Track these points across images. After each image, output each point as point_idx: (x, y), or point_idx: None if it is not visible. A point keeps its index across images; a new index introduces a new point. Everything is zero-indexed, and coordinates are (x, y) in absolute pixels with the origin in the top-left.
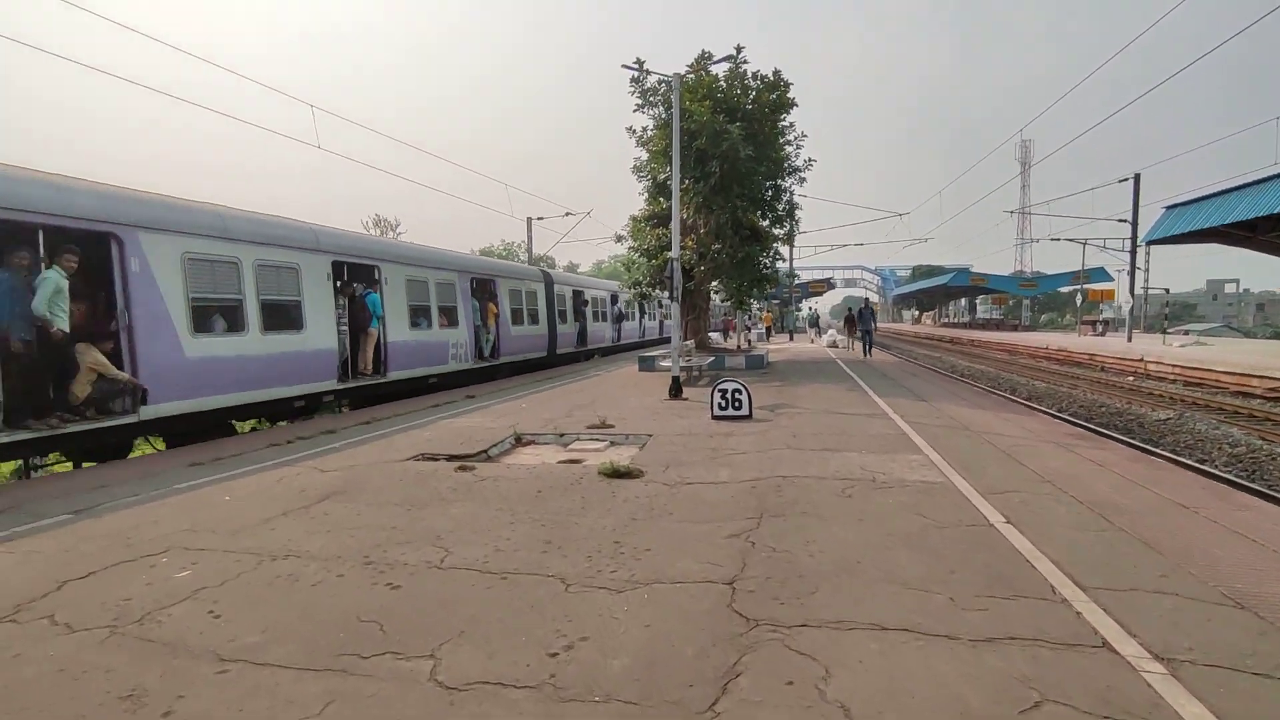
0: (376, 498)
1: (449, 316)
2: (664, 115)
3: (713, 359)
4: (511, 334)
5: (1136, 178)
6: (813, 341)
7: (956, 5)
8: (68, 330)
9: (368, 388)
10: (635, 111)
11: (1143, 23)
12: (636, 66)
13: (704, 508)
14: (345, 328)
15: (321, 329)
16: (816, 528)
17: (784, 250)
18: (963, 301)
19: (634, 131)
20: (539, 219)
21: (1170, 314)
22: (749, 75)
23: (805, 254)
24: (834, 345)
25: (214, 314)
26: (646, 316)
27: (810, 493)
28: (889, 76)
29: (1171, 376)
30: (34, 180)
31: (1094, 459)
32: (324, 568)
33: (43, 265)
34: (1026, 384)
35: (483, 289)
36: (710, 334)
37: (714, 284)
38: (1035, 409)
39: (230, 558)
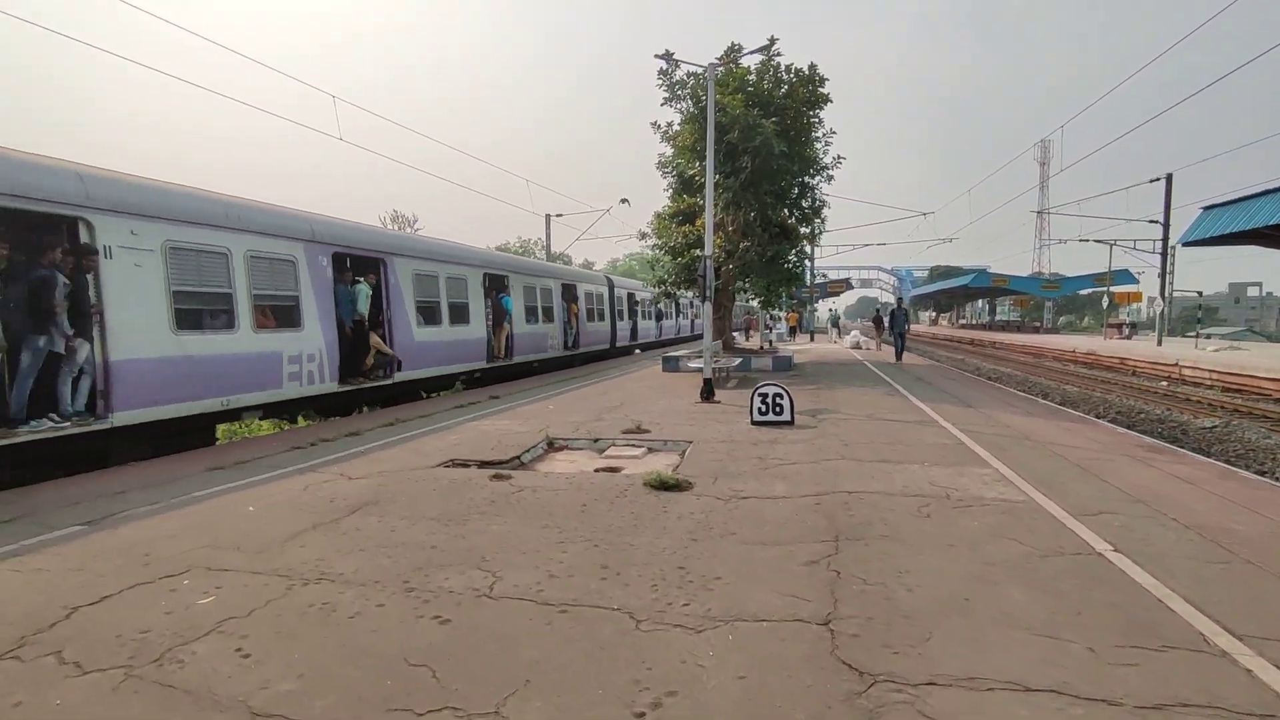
0: (411, 510)
1: (548, 315)
2: (692, 109)
3: (740, 360)
4: (587, 329)
5: (1169, 178)
6: (834, 342)
7: (989, 5)
8: (365, 322)
9: (500, 368)
10: (663, 105)
11: (1188, 23)
12: (666, 57)
13: (768, 527)
14: (490, 322)
15: (479, 323)
16: (903, 555)
17: (807, 249)
18: (979, 303)
19: (659, 126)
20: (558, 216)
21: (1195, 317)
22: (782, 68)
23: (826, 253)
24: (857, 347)
25: (429, 313)
26: (680, 315)
27: (883, 511)
28: (917, 74)
29: (1209, 382)
30: (360, 229)
31: (1179, 475)
32: (361, 595)
33: (358, 281)
34: (1057, 389)
35: (568, 292)
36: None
37: (739, 283)
38: (1092, 419)
39: (258, 581)
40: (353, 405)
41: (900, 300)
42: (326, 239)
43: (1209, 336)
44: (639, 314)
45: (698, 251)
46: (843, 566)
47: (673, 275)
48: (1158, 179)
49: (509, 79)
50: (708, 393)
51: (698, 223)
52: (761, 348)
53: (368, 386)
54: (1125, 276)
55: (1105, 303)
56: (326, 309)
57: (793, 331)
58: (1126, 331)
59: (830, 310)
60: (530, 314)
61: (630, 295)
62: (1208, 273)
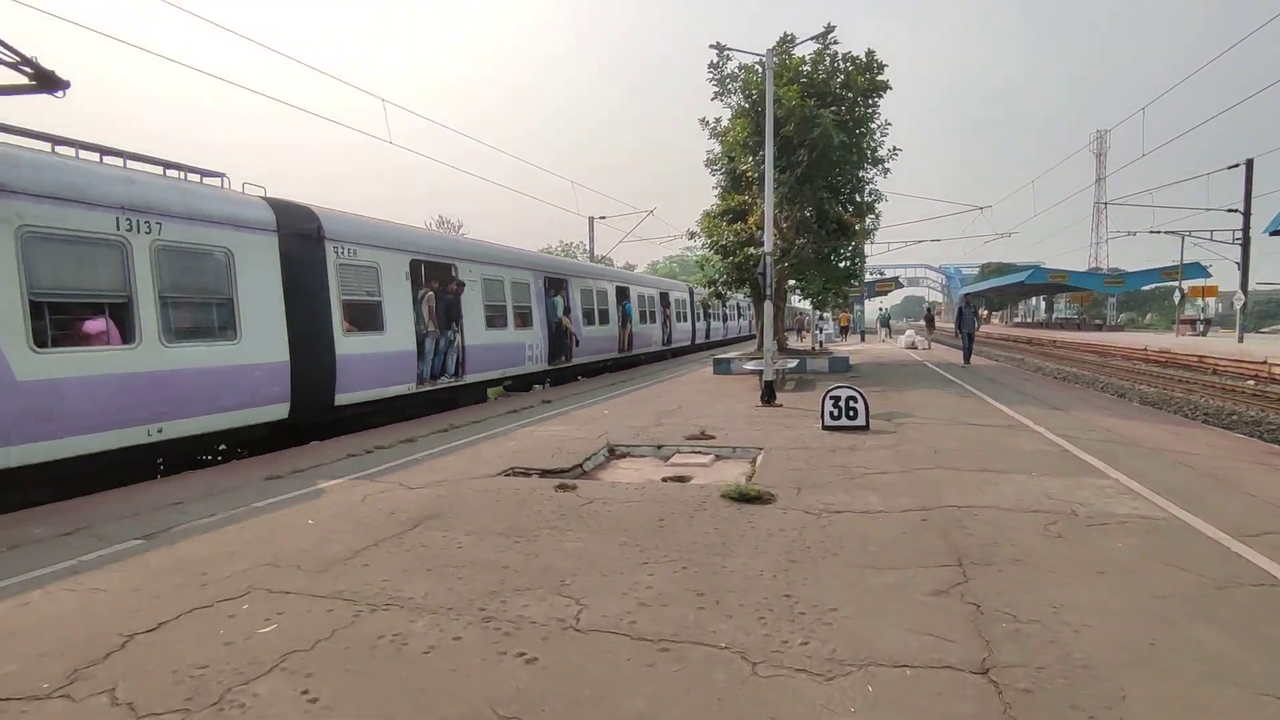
0: (477, 524)
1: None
2: (743, 104)
3: (796, 362)
4: (675, 329)
5: (1249, 164)
6: (884, 341)
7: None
8: (558, 321)
9: (624, 359)
10: (713, 99)
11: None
12: (718, 48)
13: (873, 547)
14: (618, 324)
15: (614, 324)
16: (1048, 584)
17: (864, 247)
18: (1033, 301)
19: (706, 123)
20: (601, 218)
21: (1267, 312)
22: (839, 57)
23: (875, 250)
24: (913, 347)
25: (588, 316)
26: (714, 318)
27: (1005, 530)
28: (975, 64)
29: None
30: (557, 261)
31: None
32: (434, 625)
33: (554, 292)
34: (1133, 389)
35: (663, 299)
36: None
37: (791, 282)
38: (1199, 424)
39: (321, 606)
40: (557, 379)
41: (968, 299)
42: (543, 268)
43: (1276, 331)
44: (710, 316)
45: (751, 250)
46: (980, 598)
47: (724, 275)
48: (1237, 165)
49: (568, 91)
50: (768, 396)
51: (749, 220)
52: (813, 349)
53: (561, 367)
54: (1196, 270)
55: (1178, 297)
56: (542, 315)
57: (843, 332)
58: (1200, 328)
59: (881, 309)
60: (603, 317)
61: (704, 301)
62: (1275, 268)
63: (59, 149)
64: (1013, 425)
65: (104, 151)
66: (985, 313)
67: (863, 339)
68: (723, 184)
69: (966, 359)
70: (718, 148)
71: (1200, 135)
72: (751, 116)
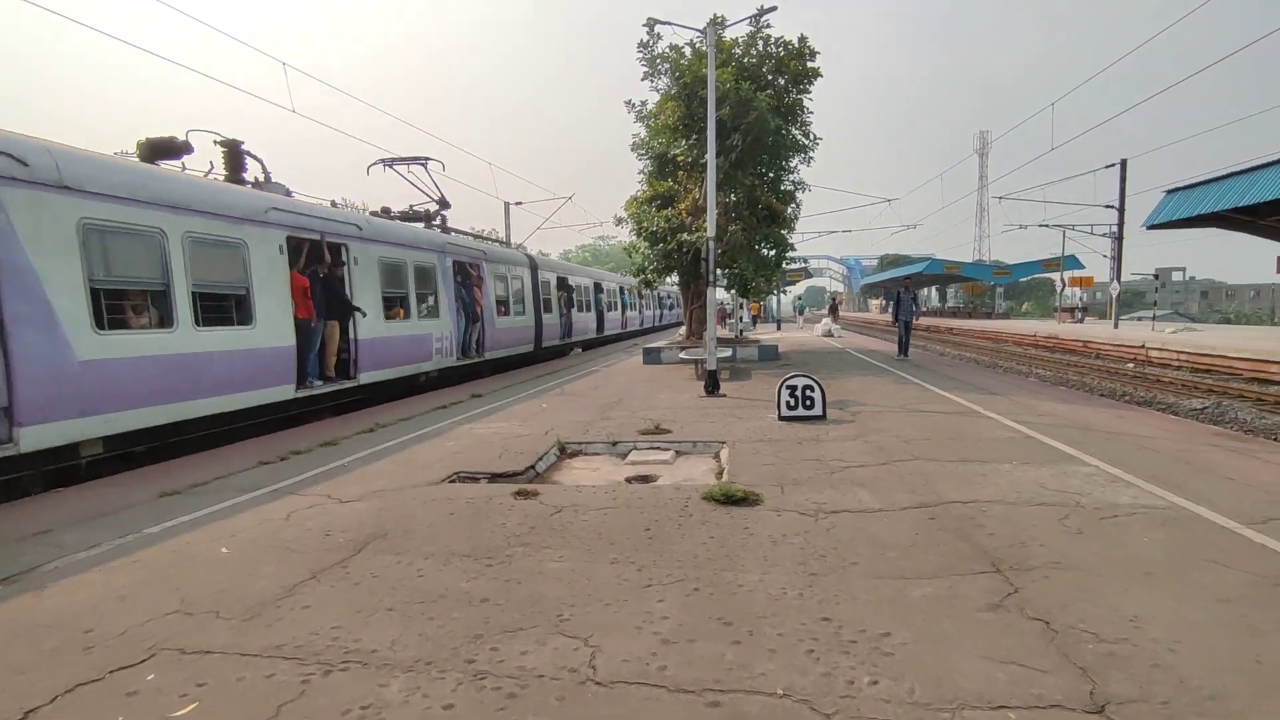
0: (435, 544)
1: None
2: (671, 86)
3: (729, 351)
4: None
5: (1123, 164)
6: (799, 330)
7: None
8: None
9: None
10: (643, 79)
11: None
12: (650, 26)
13: (893, 553)
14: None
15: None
16: (1105, 590)
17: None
18: (925, 291)
19: (633, 105)
20: (517, 203)
21: (1124, 301)
22: (772, 40)
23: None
24: (829, 334)
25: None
26: (646, 306)
27: (1024, 529)
28: (884, 67)
29: (1177, 363)
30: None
31: None
32: (414, 687)
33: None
34: (1031, 372)
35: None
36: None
37: (723, 269)
38: (1135, 407)
39: (256, 670)
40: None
41: (908, 283)
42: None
43: (1154, 318)
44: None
45: (685, 236)
46: (1044, 612)
47: (653, 262)
48: (1114, 164)
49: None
50: (712, 386)
51: (679, 206)
52: (739, 337)
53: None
54: (1073, 262)
55: (1060, 287)
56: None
57: (755, 320)
58: (1079, 315)
59: (798, 299)
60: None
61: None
62: (1134, 259)
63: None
64: (964, 412)
65: None
66: (885, 302)
67: (779, 327)
68: (649, 169)
69: (903, 350)
70: (644, 132)
71: (1092, 137)
72: (682, 100)
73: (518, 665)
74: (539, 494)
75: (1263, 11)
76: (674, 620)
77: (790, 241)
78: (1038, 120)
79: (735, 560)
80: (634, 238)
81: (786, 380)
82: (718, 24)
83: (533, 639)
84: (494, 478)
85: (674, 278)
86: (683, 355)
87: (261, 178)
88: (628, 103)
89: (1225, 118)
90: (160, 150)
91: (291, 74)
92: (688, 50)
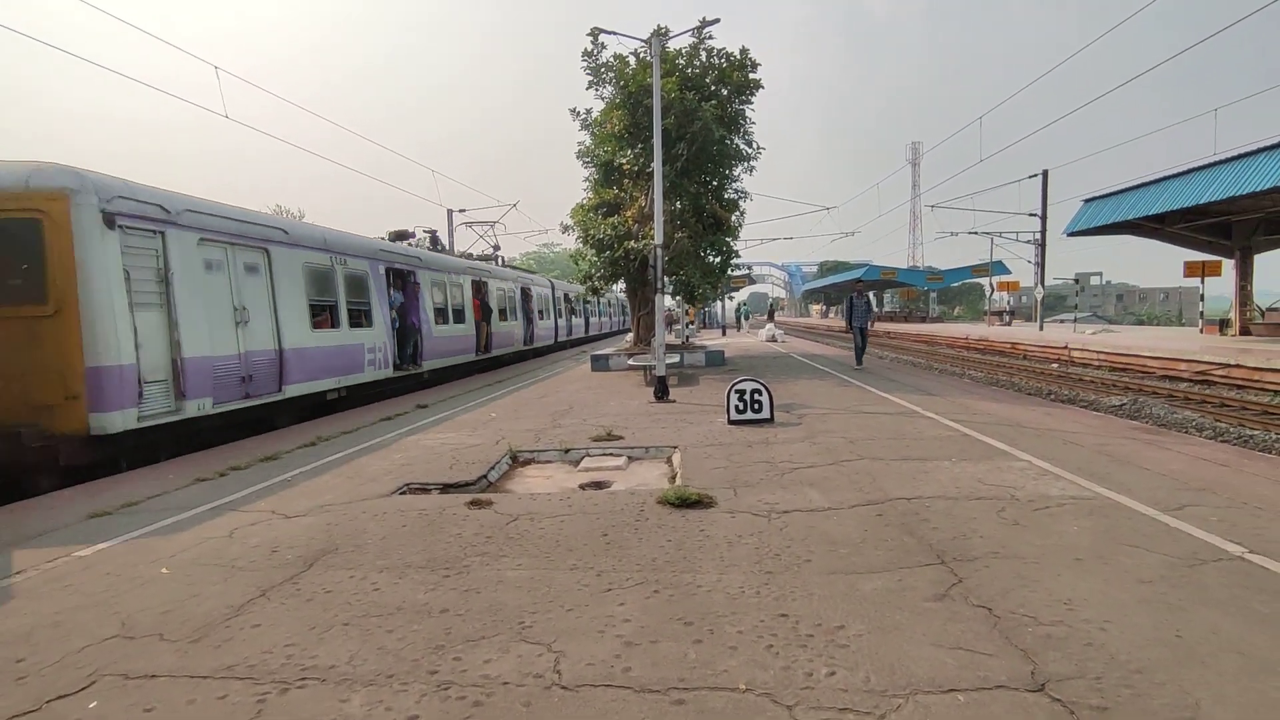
0: (388, 558)
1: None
2: (615, 96)
3: (676, 357)
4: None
5: (1045, 174)
6: (743, 335)
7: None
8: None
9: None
10: (588, 88)
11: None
12: (595, 35)
13: (844, 549)
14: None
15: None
16: (1040, 576)
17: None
18: (867, 295)
19: (578, 114)
20: (461, 210)
21: (1046, 304)
22: (714, 52)
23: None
24: (773, 340)
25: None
26: (591, 313)
27: (964, 522)
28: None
29: (1096, 363)
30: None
31: (1203, 457)
32: (376, 702)
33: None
34: (964, 374)
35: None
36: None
37: (670, 276)
38: (1063, 405)
39: (207, 692)
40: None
41: (860, 287)
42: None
43: (1075, 320)
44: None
45: (631, 243)
46: (986, 599)
47: (600, 270)
48: (1036, 174)
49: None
50: (662, 392)
51: (625, 214)
52: (684, 343)
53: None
54: (1001, 268)
55: (989, 291)
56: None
57: (690, 326)
58: (1007, 319)
59: (742, 305)
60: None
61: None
62: (1059, 264)
63: None
64: (904, 413)
65: None
66: (825, 306)
67: (724, 333)
68: (595, 177)
69: (859, 359)
70: (588, 140)
71: (1027, 145)
72: (628, 108)
73: (482, 674)
74: (493, 503)
75: (1168, 36)
76: (636, 623)
77: (735, 248)
78: (967, 133)
79: (693, 562)
80: (580, 245)
81: (735, 384)
82: (661, 35)
83: (496, 647)
84: (446, 488)
85: (621, 284)
86: (631, 362)
87: None
88: (573, 110)
89: (1149, 127)
90: None
91: (220, 75)
92: (632, 60)
